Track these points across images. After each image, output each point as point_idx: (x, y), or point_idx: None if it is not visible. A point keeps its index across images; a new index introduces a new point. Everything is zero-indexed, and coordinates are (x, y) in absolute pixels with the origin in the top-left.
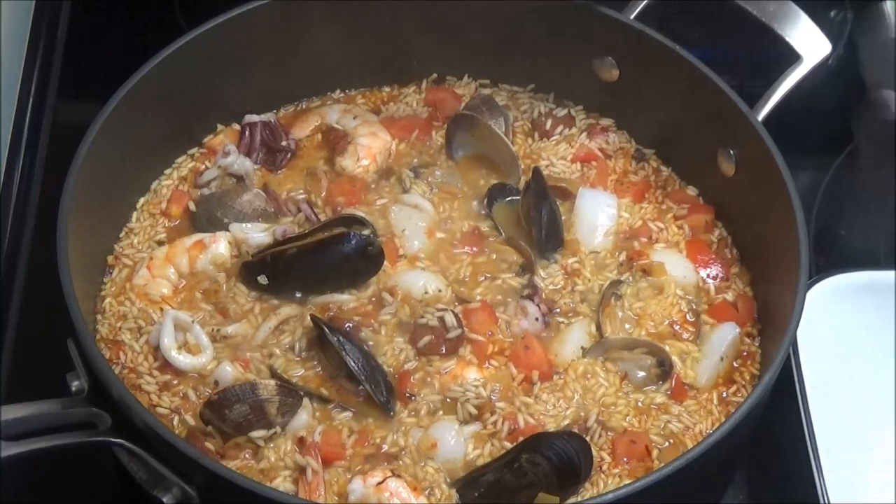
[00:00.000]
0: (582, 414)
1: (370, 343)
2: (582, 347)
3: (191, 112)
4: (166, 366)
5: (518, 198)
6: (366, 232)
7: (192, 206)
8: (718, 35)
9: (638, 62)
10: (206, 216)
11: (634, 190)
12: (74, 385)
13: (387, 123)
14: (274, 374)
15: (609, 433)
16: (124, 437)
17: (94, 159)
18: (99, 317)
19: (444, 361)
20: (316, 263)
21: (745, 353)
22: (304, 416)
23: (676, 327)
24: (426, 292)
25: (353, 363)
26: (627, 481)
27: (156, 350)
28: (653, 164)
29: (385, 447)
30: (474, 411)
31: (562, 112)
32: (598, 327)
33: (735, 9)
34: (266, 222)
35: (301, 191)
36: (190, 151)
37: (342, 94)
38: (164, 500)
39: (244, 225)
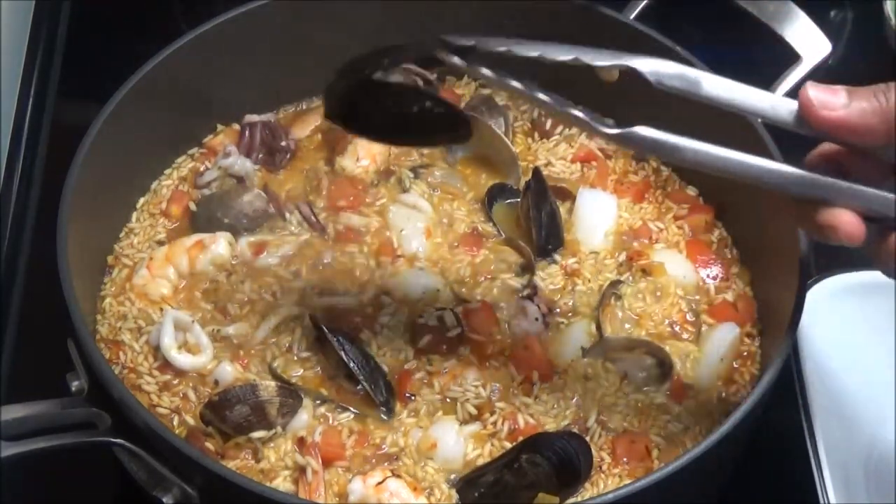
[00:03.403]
0: (582, 414)
1: (370, 343)
2: (582, 348)
3: (191, 112)
4: (166, 366)
5: (518, 198)
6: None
7: (193, 207)
8: (718, 35)
9: None
10: (206, 216)
11: (634, 190)
12: (74, 385)
13: None
14: (274, 374)
15: (609, 433)
16: (124, 437)
17: (94, 159)
18: (99, 317)
19: (443, 361)
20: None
21: (745, 353)
22: (304, 417)
23: (676, 327)
24: (424, 292)
25: (352, 363)
26: (627, 481)
27: (156, 350)
28: (653, 164)
29: (385, 447)
30: (474, 411)
31: None
32: (598, 327)
33: (735, 9)
34: (267, 223)
35: (301, 191)
36: (190, 151)
37: None
38: (164, 500)
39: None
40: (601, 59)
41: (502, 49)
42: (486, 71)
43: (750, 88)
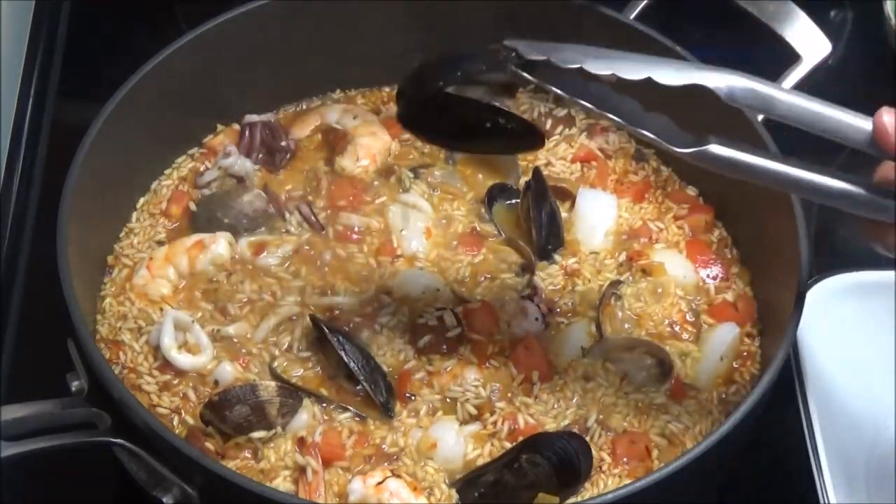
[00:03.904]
0: (582, 414)
1: (370, 344)
2: (582, 348)
3: (191, 112)
4: (166, 366)
5: (518, 198)
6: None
7: (193, 207)
8: (718, 35)
9: None
10: (206, 216)
11: (634, 190)
12: (74, 385)
13: (387, 123)
14: (274, 374)
15: (609, 433)
16: (124, 437)
17: (94, 159)
18: (99, 317)
19: (443, 361)
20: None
21: (745, 353)
22: (304, 417)
23: (676, 327)
24: (424, 292)
25: (352, 363)
26: (627, 481)
27: (156, 350)
28: (653, 164)
29: (385, 447)
30: (474, 411)
31: (562, 112)
32: (598, 327)
33: (735, 9)
34: (267, 223)
35: (301, 191)
36: (190, 151)
37: (342, 94)
38: (164, 500)
39: None
40: (673, 78)
41: (574, 67)
42: (556, 89)
43: (820, 103)
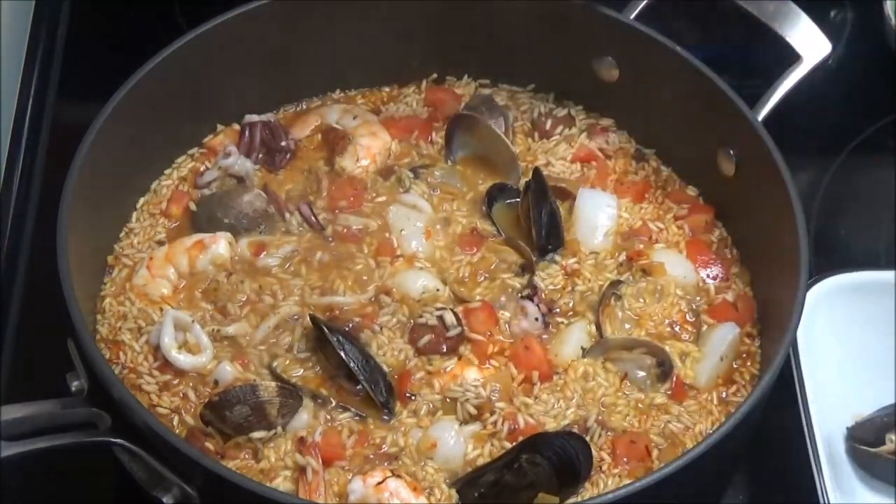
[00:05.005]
0: (582, 414)
1: (370, 343)
2: (582, 347)
3: (191, 112)
4: (166, 366)
5: (518, 198)
6: None
7: (193, 207)
8: (718, 35)
9: (638, 62)
10: (206, 216)
11: (634, 190)
12: (74, 385)
13: (387, 123)
14: (274, 374)
15: (609, 433)
16: (124, 437)
17: (94, 159)
18: (99, 317)
19: (443, 361)
20: None
21: (745, 353)
22: (304, 417)
23: (676, 327)
24: (424, 292)
25: (352, 363)
26: (627, 481)
27: (156, 350)
28: (653, 164)
29: (385, 447)
30: (474, 411)
31: (562, 112)
32: (598, 327)
33: (735, 9)
34: (267, 223)
35: (301, 191)
36: (190, 151)
37: (342, 94)
38: (164, 500)
39: None
40: None
41: None
42: None
43: None
